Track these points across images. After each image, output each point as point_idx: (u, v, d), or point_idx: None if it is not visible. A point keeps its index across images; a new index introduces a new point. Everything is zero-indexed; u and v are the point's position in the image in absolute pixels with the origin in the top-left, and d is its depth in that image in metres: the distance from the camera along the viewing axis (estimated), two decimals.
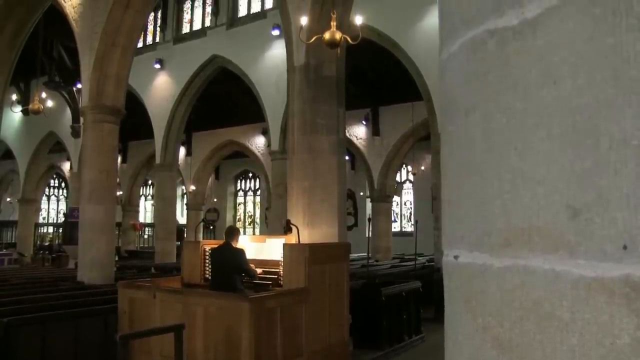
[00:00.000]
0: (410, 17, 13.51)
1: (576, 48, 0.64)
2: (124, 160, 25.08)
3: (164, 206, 17.68)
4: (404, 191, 24.90)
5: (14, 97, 19.01)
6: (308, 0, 8.24)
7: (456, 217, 0.80)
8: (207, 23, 19.10)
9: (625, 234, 0.59)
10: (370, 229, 17.32)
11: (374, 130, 19.86)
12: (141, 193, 29.40)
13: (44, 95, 13.76)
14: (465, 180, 0.77)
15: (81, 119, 12.25)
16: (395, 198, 22.72)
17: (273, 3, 16.46)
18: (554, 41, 0.66)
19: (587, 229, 0.62)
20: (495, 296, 0.70)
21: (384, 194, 19.56)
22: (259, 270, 6.29)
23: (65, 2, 11.17)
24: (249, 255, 6.48)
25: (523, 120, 0.69)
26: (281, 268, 5.99)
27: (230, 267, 6.18)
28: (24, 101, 19.76)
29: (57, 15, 12.35)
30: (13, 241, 24.77)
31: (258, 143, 22.23)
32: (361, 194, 24.06)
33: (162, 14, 20.03)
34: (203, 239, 21.55)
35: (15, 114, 20.61)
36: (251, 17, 17.75)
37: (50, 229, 28.55)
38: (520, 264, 0.67)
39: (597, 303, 0.60)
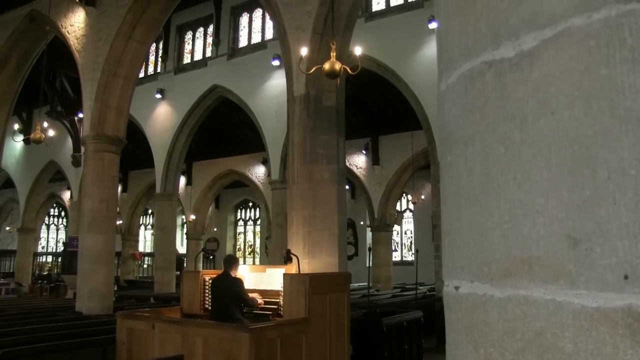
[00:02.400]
0: (409, 47, 13.67)
1: (573, 79, 0.65)
2: (124, 190, 25.09)
3: (163, 235, 17.62)
4: (404, 220, 24.83)
5: (16, 126, 19.10)
6: (308, 31, 8.36)
7: (456, 247, 0.80)
8: (208, 53, 19.32)
9: (625, 263, 0.59)
10: (371, 258, 17.20)
11: (374, 159, 19.92)
12: (141, 222, 29.33)
13: (45, 124, 13.85)
14: (464, 210, 0.77)
15: (82, 149, 12.31)
16: (396, 227, 22.64)
17: (273, 34, 16.67)
18: (551, 72, 0.67)
19: (588, 258, 0.61)
20: (496, 327, 0.70)
21: (384, 223, 19.51)
22: (259, 300, 6.23)
23: (69, 33, 11.33)
24: (249, 285, 6.42)
25: (521, 151, 0.69)
26: (281, 298, 5.94)
27: (229, 296, 6.13)
28: (26, 130, 19.87)
29: (60, 46, 12.52)
30: (11, 270, 24.63)
31: (258, 172, 22.26)
32: (361, 223, 23.99)
33: (163, 44, 20.27)
34: (203, 268, 21.43)
35: (17, 143, 20.70)
36: (251, 48, 17.96)
37: (50, 258, 28.40)
38: (521, 294, 0.67)
39: (600, 334, 0.60)
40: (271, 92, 16.36)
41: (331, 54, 7.18)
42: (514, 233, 0.68)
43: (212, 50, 19.08)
